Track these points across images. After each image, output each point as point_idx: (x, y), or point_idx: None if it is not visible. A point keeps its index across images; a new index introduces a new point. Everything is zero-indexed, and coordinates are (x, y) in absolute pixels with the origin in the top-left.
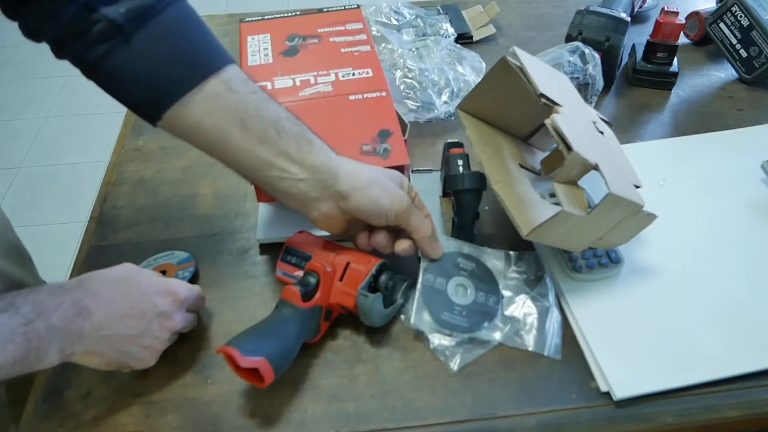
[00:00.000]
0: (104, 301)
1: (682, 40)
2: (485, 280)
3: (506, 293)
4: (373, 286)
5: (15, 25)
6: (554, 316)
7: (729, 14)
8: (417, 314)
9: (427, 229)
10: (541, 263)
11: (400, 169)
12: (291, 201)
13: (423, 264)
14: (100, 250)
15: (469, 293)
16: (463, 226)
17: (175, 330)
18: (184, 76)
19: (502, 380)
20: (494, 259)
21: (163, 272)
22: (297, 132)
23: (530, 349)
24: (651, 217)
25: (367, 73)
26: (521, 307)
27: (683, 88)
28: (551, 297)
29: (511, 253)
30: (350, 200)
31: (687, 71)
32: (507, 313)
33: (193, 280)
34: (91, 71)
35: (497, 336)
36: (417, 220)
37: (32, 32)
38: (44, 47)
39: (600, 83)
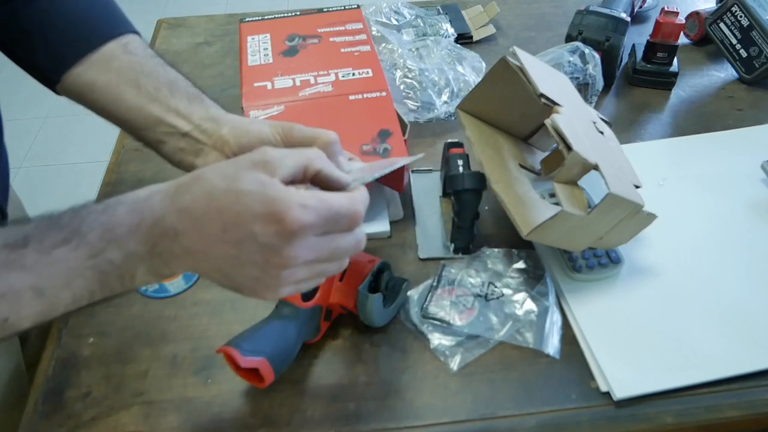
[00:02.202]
0: (193, 221)
1: (682, 40)
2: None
3: (506, 291)
4: (373, 286)
5: None
6: (554, 315)
7: (729, 14)
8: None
9: (328, 134)
10: (541, 262)
11: (400, 169)
12: (179, 159)
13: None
14: None
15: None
16: (463, 226)
17: (299, 266)
18: (84, 40)
19: (502, 380)
20: (494, 258)
21: None
22: (191, 92)
23: (531, 346)
24: (651, 217)
25: (367, 73)
26: (521, 306)
27: (683, 88)
28: (551, 296)
29: (513, 250)
30: (232, 142)
31: (687, 71)
32: (507, 311)
33: None
34: None
35: (497, 334)
36: (308, 130)
37: None
38: None
39: (600, 83)
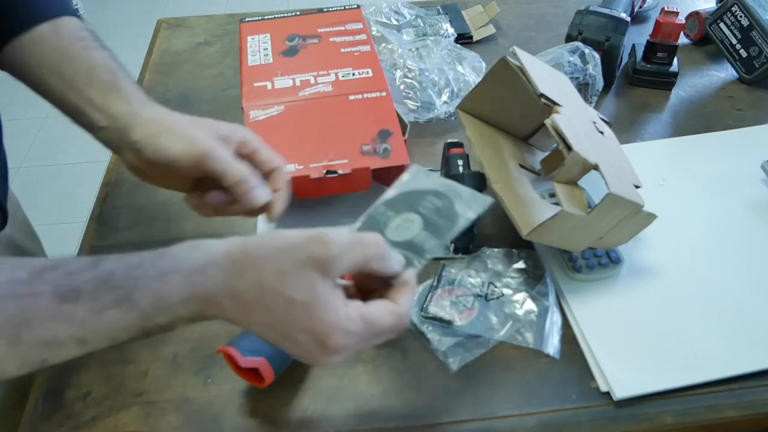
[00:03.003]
0: (242, 307)
1: (682, 40)
2: (440, 223)
3: (506, 291)
4: None
5: None
6: (554, 315)
7: (729, 14)
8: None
9: (236, 175)
10: (542, 262)
11: (400, 169)
12: (112, 149)
13: (386, 194)
14: (100, 250)
15: (411, 231)
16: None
17: (335, 360)
18: (17, 20)
19: (502, 380)
20: (494, 258)
21: None
22: (107, 80)
23: (531, 346)
24: (651, 217)
25: (367, 73)
26: (521, 306)
27: (683, 88)
28: (551, 296)
29: (513, 250)
30: (142, 151)
31: (687, 71)
32: (507, 311)
33: None
34: None
35: (497, 334)
36: (223, 165)
37: None
38: None
39: (600, 83)
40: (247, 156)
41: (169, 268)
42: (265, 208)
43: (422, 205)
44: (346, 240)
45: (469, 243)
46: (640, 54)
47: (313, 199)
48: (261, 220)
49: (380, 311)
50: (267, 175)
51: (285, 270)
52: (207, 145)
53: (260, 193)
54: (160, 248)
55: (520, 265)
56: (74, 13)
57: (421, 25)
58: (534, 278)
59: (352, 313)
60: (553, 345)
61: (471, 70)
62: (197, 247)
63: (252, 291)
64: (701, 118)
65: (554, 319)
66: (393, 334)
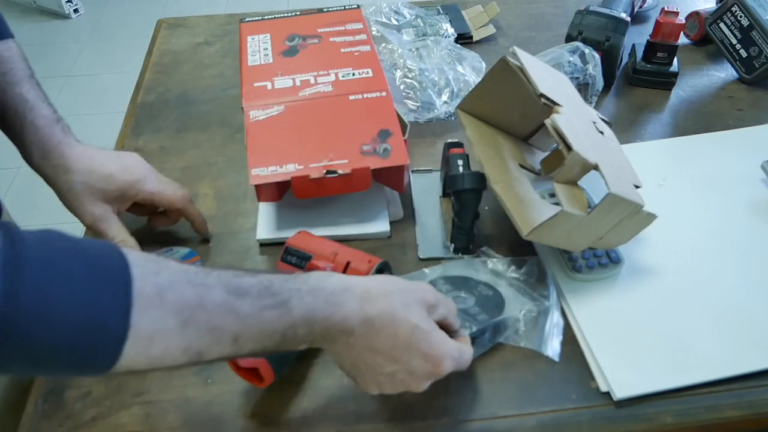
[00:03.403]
0: (371, 331)
1: (682, 40)
2: (490, 304)
3: (507, 293)
4: None
5: (15, 24)
6: (555, 317)
7: (729, 14)
8: None
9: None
10: (542, 262)
11: (400, 169)
12: None
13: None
14: None
15: (467, 303)
16: (463, 226)
17: (413, 389)
18: None
19: (502, 380)
20: (493, 258)
21: None
22: (15, 126)
23: (530, 347)
24: (651, 217)
25: (367, 73)
26: (522, 307)
27: (683, 88)
28: (552, 297)
29: (513, 250)
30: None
31: (687, 71)
32: (507, 312)
33: None
34: None
35: (497, 336)
36: (105, 235)
37: None
38: (43, 48)
39: (600, 83)
40: (149, 202)
41: (317, 287)
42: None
43: (477, 290)
44: (439, 294)
45: (469, 243)
46: (640, 54)
47: (313, 199)
48: (261, 217)
49: (465, 347)
50: (178, 212)
51: (409, 302)
52: (90, 220)
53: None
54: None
55: (521, 265)
56: (7, 35)
57: (421, 25)
58: (534, 279)
59: (454, 343)
60: (553, 348)
61: (471, 70)
62: (331, 276)
63: (384, 317)
64: (701, 118)
65: (555, 321)
66: (465, 366)
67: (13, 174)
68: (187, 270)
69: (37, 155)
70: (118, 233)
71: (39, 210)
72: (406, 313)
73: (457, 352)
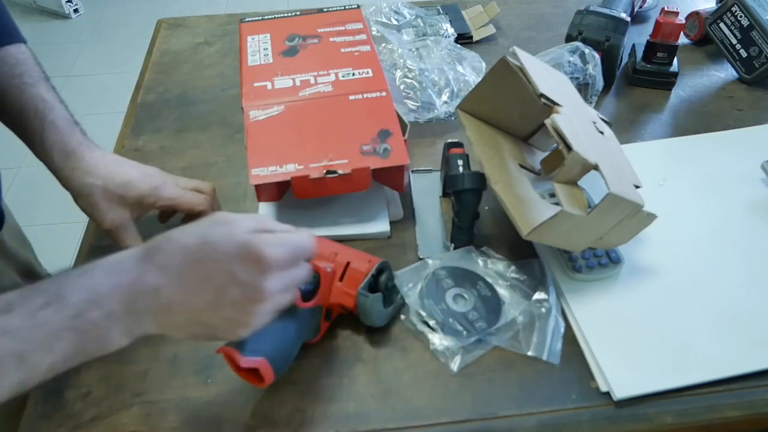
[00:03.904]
0: (172, 275)
1: (682, 40)
2: (489, 308)
3: (505, 294)
4: (373, 286)
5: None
6: (555, 320)
7: (729, 14)
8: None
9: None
10: (542, 263)
11: (400, 169)
12: None
13: (438, 261)
14: (100, 250)
15: (467, 305)
16: (463, 226)
17: (269, 300)
18: None
19: (502, 380)
20: (493, 258)
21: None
22: (35, 126)
23: (529, 353)
24: (651, 217)
25: (367, 73)
26: (521, 310)
27: (683, 88)
28: (552, 298)
29: (513, 251)
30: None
31: (687, 71)
32: (506, 315)
33: None
34: None
35: (495, 339)
36: (124, 243)
37: None
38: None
39: (600, 83)
40: (169, 208)
41: (91, 266)
42: None
43: (476, 288)
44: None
45: (469, 243)
46: (640, 54)
47: (313, 199)
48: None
49: (292, 232)
50: (202, 213)
51: (197, 231)
52: (109, 226)
53: None
54: None
55: (520, 265)
56: (19, 39)
57: (421, 25)
58: (534, 280)
59: (269, 234)
60: (553, 351)
61: (471, 70)
62: (111, 255)
63: (177, 255)
64: (701, 118)
65: (555, 323)
66: (308, 253)
67: (13, 174)
68: None
69: (57, 156)
70: (134, 241)
71: (39, 210)
72: (196, 238)
73: (278, 238)
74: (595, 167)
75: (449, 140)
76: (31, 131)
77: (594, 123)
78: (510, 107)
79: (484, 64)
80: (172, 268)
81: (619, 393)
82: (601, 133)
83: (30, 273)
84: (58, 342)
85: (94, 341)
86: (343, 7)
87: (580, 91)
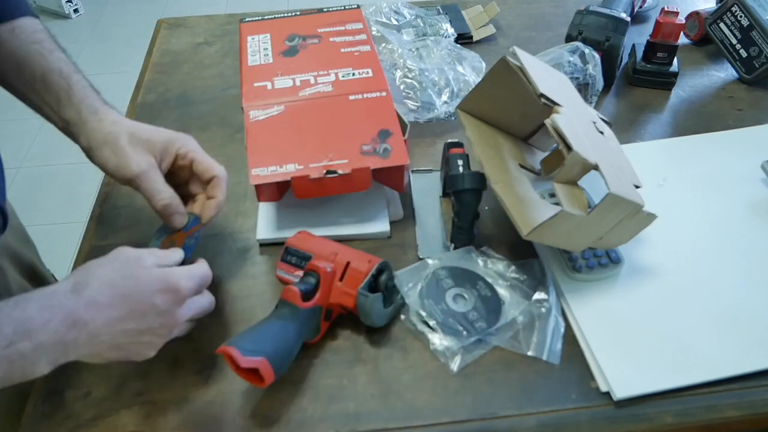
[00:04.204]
0: (101, 308)
1: (682, 40)
2: (489, 308)
3: (505, 294)
4: (373, 286)
5: None
6: (555, 320)
7: (729, 14)
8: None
9: (161, 201)
10: (542, 263)
11: (400, 169)
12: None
13: (437, 261)
14: (100, 250)
15: (467, 305)
16: (463, 226)
17: (178, 323)
18: None
19: (502, 380)
20: (493, 259)
21: (172, 243)
22: (61, 86)
23: (528, 353)
24: (651, 217)
25: (367, 73)
26: (521, 310)
27: (683, 88)
28: (552, 300)
29: (513, 252)
30: (91, 157)
31: (687, 71)
32: (506, 315)
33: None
34: None
35: (495, 339)
36: (150, 190)
37: None
38: None
39: (600, 83)
40: (185, 166)
41: (23, 299)
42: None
43: (476, 288)
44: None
45: (469, 243)
46: (640, 54)
47: (313, 199)
48: (261, 217)
49: (196, 267)
50: (206, 182)
51: (120, 267)
52: (137, 170)
53: (177, 220)
54: None
55: (521, 266)
56: (32, 13)
57: (421, 25)
58: (534, 280)
59: (179, 268)
60: (553, 351)
61: (471, 70)
62: (40, 288)
63: (104, 289)
64: (701, 118)
65: (555, 323)
66: (206, 283)
67: (13, 174)
68: None
69: (85, 110)
70: (164, 188)
71: (39, 210)
72: (121, 272)
73: (189, 271)
74: (595, 167)
75: (449, 140)
76: (56, 91)
77: (594, 123)
78: (510, 107)
79: (484, 64)
80: (101, 303)
81: (619, 393)
82: (601, 133)
83: (33, 273)
84: None
85: (20, 370)
86: (343, 7)
87: (580, 91)
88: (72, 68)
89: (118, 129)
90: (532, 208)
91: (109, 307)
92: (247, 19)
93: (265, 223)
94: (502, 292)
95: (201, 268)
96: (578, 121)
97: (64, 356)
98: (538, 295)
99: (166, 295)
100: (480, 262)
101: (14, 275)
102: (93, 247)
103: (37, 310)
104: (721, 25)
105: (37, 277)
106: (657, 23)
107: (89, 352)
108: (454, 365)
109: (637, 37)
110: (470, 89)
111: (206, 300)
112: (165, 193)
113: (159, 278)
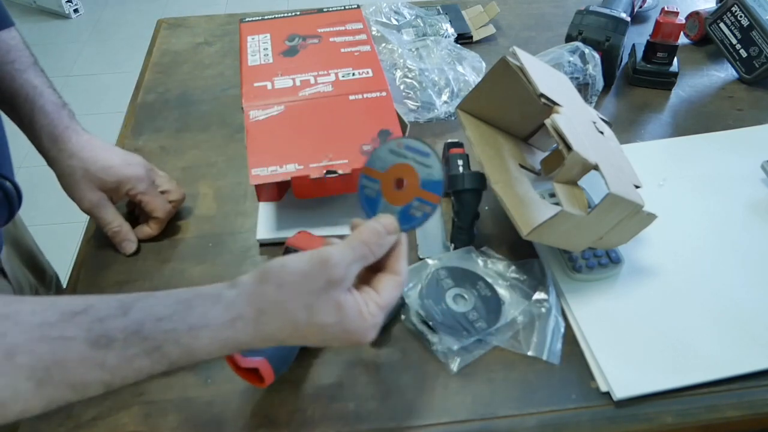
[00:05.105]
0: (277, 344)
1: (682, 40)
2: (489, 308)
3: (506, 293)
4: None
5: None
6: (555, 319)
7: (729, 14)
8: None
9: (111, 230)
10: (542, 263)
11: None
12: None
13: (437, 261)
14: (100, 249)
15: (467, 305)
16: (463, 226)
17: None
18: None
19: (502, 380)
20: (493, 259)
21: (401, 182)
22: (25, 111)
23: (529, 353)
24: (651, 217)
25: (367, 73)
26: (521, 310)
27: (683, 88)
28: (552, 300)
29: (513, 252)
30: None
31: (687, 71)
32: (506, 315)
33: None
34: None
35: (495, 339)
36: (101, 221)
37: None
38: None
39: (600, 83)
40: (139, 196)
41: (198, 324)
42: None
43: (477, 288)
44: (346, 251)
45: (469, 243)
46: (640, 54)
47: (313, 199)
48: (261, 217)
49: (389, 290)
50: (158, 222)
51: (310, 302)
52: (88, 205)
53: (128, 246)
54: (184, 289)
55: (521, 266)
56: (10, 24)
57: (421, 25)
58: (534, 280)
59: (372, 308)
60: (553, 351)
61: (471, 70)
62: (219, 300)
63: (286, 329)
64: (701, 118)
65: (555, 323)
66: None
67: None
68: (42, 323)
69: (45, 139)
70: (114, 219)
71: (39, 210)
72: (309, 316)
73: (380, 314)
74: (595, 167)
75: (449, 140)
76: (21, 116)
77: (594, 123)
78: (510, 107)
79: (484, 64)
80: (278, 340)
81: (619, 393)
82: (601, 133)
83: (34, 261)
84: (146, 378)
85: (178, 368)
86: (343, 7)
87: (580, 91)
88: (38, 90)
89: (75, 164)
90: (532, 208)
91: (282, 342)
92: (247, 19)
93: (265, 223)
94: (502, 292)
95: (390, 299)
96: (578, 121)
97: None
98: (538, 295)
99: (348, 345)
100: (480, 262)
101: (18, 261)
102: (93, 248)
103: (209, 341)
104: (721, 25)
105: (36, 265)
106: (657, 23)
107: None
108: (454, 365)
109: (637, 37)
110: (470, 89)
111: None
112: (114, 223)
113: (344, 330)
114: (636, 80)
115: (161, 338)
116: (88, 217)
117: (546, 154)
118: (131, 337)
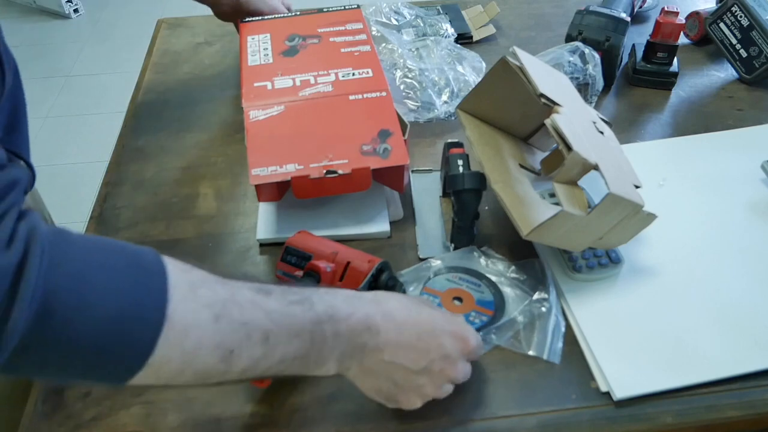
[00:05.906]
0: (394, 324)
1: (682, 40)
2: (491, 307)
3: (506, 292)
4: (373, 286)
5: (15, 24)
6: (555, 319)
7: (729, 14)
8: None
9: None
10: (542, 262)
11: (400, 169)
12: None
13: (439, 261)
14: None
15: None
16: (463, 226)
17: (453, 379)
18: None
19: (503, 380)
20: (493, 258)
21: (459, 299)
22: None
23: (529, 353)
24: (651, 217)
25: (367, 73)
26: (521, 310)
27: (683, 88)
28: (552, 299)
29: (514, 252)
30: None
31: (687, 71)
32: (507, 314)
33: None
34: None
35: (495, 339)
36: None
37: None
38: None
39: (600, 83)
40: None
41: (332, 291)
42: None
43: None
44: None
45: (469, 243)
46: (640, 54)
47: (313, 199)
48: (261, 217)
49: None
50: None
51: (419, 300)
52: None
53: None
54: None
55: (521, 266)
56: None
57: (421, 25)
58: (534, 280)
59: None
60: (554, 350)
61: (471, 70)
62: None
63: (402, 310)
64: (701, 118)
65: (555, 322)
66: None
67: None
68: (212, 272)
69: None
70: None
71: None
72: (418, 306)
73: (475, 331)
74: (595, 167)
75: (449, 140)
76: None
77: (594, 123)
78: (510, 107)
79: (484, 64)
80: (396, 318)
81: (619, 393)
82: (601, 133)
83: None
84: (296, 338)
85: (316, 353)
86: (343, 7)
87: (580, 91)
88: None
89: None
90: (532, 208)
91: (401, 327)
92: (247, 19)
93: (265, 223)
94: (503, 291)
95: (479, 338)
96: (578, 121)
97: (350, 359)
98: (539, 295)
99: (455, 340)
100: (480, 261)
101: None
102: None
103: (343, 301)
104: (721, 25)
105: None
106: (657, 23)
107: (367, 369)
108: None
109: (637, 37)
110: (470, 89)
111: (469, 369)
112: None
113: (453, 322)
114: (636, 80)
115: (309, 293)
116: (88, 218)
117: (546, 154)
118: (285, 290)
